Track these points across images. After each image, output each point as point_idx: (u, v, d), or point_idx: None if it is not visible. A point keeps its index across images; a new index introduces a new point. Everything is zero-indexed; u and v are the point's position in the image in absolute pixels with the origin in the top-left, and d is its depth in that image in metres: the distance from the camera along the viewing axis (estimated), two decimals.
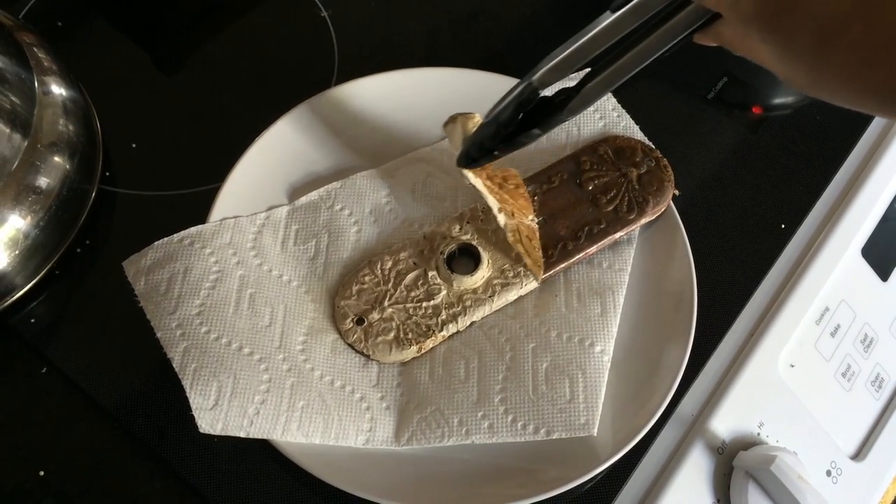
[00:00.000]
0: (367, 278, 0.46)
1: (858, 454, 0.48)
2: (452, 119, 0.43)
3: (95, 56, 0.55)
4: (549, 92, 0.36)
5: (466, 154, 0.40)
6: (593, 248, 0.46)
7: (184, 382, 0.39)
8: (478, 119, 0.42)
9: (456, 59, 0.54)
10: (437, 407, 0.42)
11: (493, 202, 0.44)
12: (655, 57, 0.33)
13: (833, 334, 0.49)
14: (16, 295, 0.45)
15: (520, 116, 0.36)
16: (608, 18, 0.32)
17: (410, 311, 0.45)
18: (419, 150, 0.51)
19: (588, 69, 0.35)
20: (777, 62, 0.28)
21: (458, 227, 0.47)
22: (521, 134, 0.36)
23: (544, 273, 0.45)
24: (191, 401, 0.39)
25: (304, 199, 0.48)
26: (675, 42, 0.32)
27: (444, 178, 0.50)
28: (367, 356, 0.44)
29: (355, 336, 0.44)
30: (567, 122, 0.51)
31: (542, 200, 0.48)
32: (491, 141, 0.38)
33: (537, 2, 0.61)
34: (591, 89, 0.34)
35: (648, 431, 0.41)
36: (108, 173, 0.50)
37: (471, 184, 0.43)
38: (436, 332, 0.44)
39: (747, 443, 0.44)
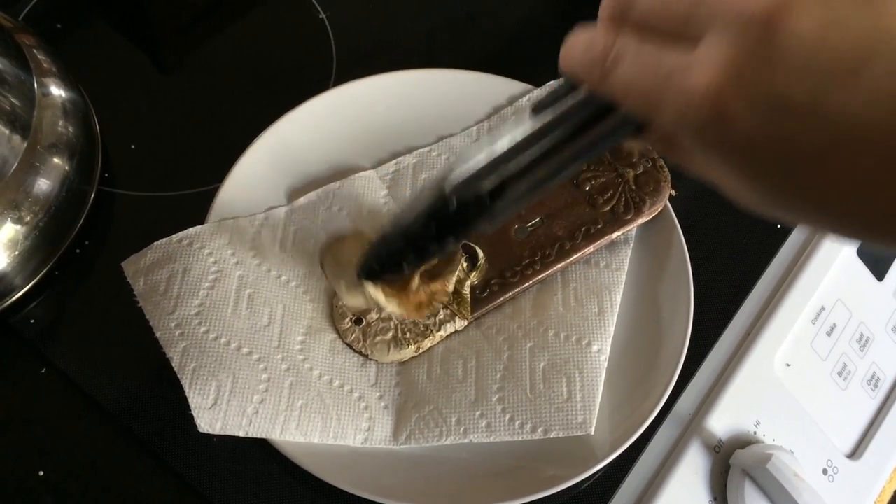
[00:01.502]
0: None
1: (854, 453, 0.48)
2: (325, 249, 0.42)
3: (95, 57, 0.56)
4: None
5: (368, 268, 0.37)
6: (590, 248, 0.47)
7: (183, 382, 0.39)
8: (350, 241, 0.40)
9: (454, 61, 0.54)
10: (436, 406, 0.42)
11: (393, 308, 0.41)
12: (584, 161, 0.29)
13: (829, 333, 0.49)
14: (15, 295, 0.45)
15: (432, 228, 0.32)
16: (526, 123, 0.29)
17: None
18: (417, 150, 0.51)
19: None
20: (737, 186, 0.24)
21: None
22: (433, 244, 0.32)
23: (542, 273, 0.46)
24: (190, 400, 0.39)
25: (302, 200, 0.48)
26: (601, 148, 0.28)
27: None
28: (366, 356, 0.44)
29: (353, 336, 0.44)
30: None
31: (540, 200, 0.48)
32: (399, 255, 0.35)
33: (535, 3, 0.62)
34: (511, 197, 0.29)
35: (645, 430, 0.42)
36: (107, 174, 0.50)
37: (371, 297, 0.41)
38: (433, 331, 0.44)
39: (744, 441, 0.44)
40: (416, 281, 0.41)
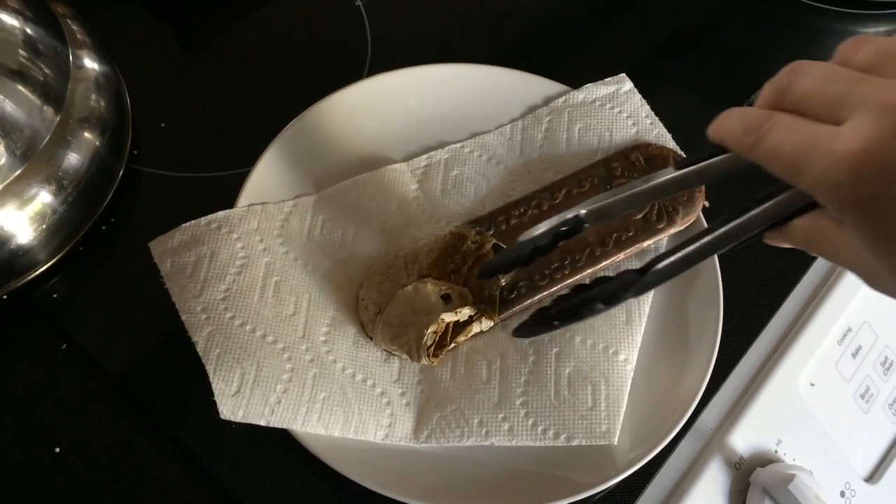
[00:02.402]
0: (391, 272, 0.45)
1: (873, 476, 0.48)
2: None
3: (127, 34, 0.55)
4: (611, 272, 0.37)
5: (489, 270, 0.39)
6: (621, 256, 0.46)
7: (207, 367, 0.39)
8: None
9: (489, 56, 0.53)
10: (458, 406, 0.42)
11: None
12: (727, 248, 0.33)
13: (854, 355, 0.49)
14: (39, 270, 0.45)
15: (558, 243, 0.36)
16: (670, 174, 0.33)
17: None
18: (449, 146, 0.51)
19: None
20: (863, 256, 0.28)
21: (485, 226, 0.47)
22: (584, 307, 0.35)
23: (571, 278, 0.45)
24: (213, 386, 0.39)
25: (331, 189, 0.48)
26: (751, 235, 0.32)
27: (474, 177, 0.49)
28: (389, 352, 0.44)
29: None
30: (599, 128, 0.51)
31: (572, 204, 0.47)
32: (524, 262, 0.37)
33: (570, 4, 0.61)
34: (663, 269, 0.34)
35: (667, 443, 0.41)
36: (135, 151, 0.50)
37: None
38: (460, 333, 0.44)
39: (765, 459, 0.44)
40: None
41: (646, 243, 0.46)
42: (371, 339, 0.44)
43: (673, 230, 0.47)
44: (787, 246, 0.33)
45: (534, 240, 0.36)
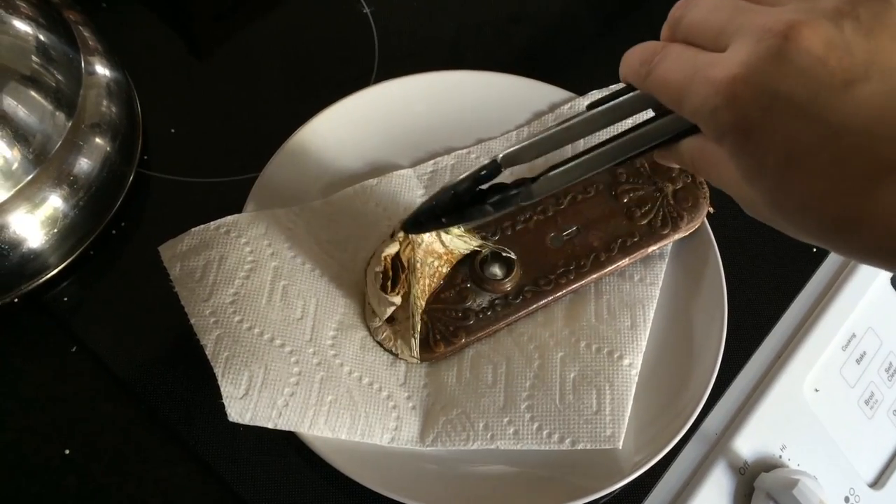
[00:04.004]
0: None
1: (877, 482, 0.48)
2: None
3: (138, 40, 0.56)
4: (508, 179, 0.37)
5: (415, 219, 0.39)
6: (625, 261, 0.46)
7: (216, 370, 0.39)
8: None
9: (497, 63, 0.54)
10: (464, 410, 0.42)
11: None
12: (616, 161, 0.34)
13: (859, 361, 0.49)
14: (49, 273, 0.45)
15: (475, 189, 0.36)
16: (584, 115, 0.33)
17: (440, 312, 0.45)
18: (455, 152, 0.51)
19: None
20: (740, 182, 0.28)
21: (490, 231, 0.47)
22: (472, 207, 0.36)
23: (576, 283, 0.46)
24: (222, 389, 0.39)
25: (339, 195, 0.48)
26: (639, 150, 0.33)
27: None
28: (396, 355, 0.44)
29: (384, 334, 0.44)
30: (604, 134, 0.51)
31: (577, 210, 0.48)
32: (442, 209, 0.38)
33: (578, 10, 0.61)
34: (549, 178, 0.34)
35: (671, 448, 0.41)
36: (146, 157, 0.51)
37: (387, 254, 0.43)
38: (464, 335, 0.44)
39: (769, 464, 0.44)
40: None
41: (650, 248, 0.47)
42: (378, 343, 0.44)
43: (678, 235, 0.47)
44: (675, 165, 0.33)
45: (454, 186, 0.37)
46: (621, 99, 0.33)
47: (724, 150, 0.27)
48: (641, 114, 0.33)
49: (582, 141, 0.35)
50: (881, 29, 0.25)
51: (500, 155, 0.35)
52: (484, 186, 0.36)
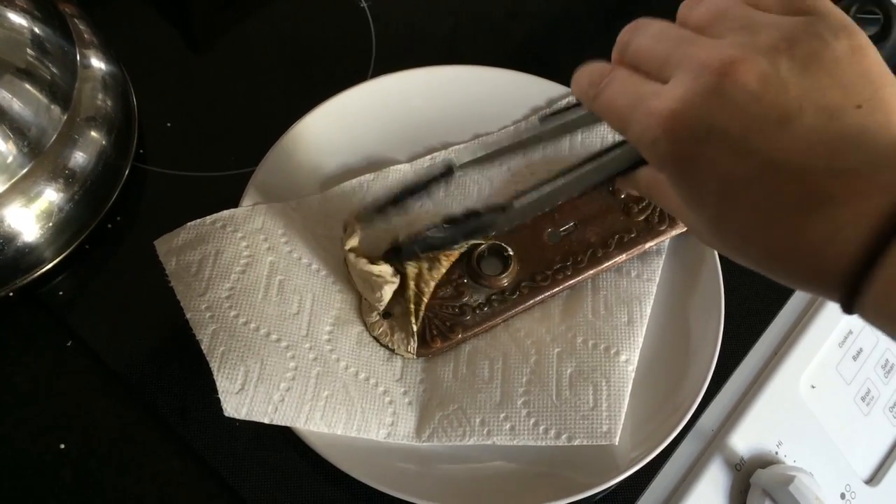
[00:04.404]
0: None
1: (873, 479, 0.48)
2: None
3: (134, 34, 0.55)
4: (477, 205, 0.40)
5: (391, 252, 0.43)
6: (622, 257, 0.46)
7: (211, 365, 0.39)
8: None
9: (494, 58, 0.54)
10: (460, 405, 0.42)
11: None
12: (579, 191, 0.35)
13: (855, 358, 0.49)
14: (45, 267, 0.45)
15: (427, 188, 0.40)
16: (535, 127, 0.36)
17: (437, 308, 0.45)
18: (452, 147, 0.51)
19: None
20: (685, 211, 0.29)
21: None
22: (443, 237, 0.40)
23: (573, 279, 0.46)
24: (217, 384, 0.39)
25: (336, 189, 0.48)
26: (599, 181, 0.35)
27: (477, 178, 0.50)
28: (392, 350, 0.44)
29: (381, 329, 0.44)
30: (602, 129, 0.51)
31: (574, 205, 0.48)
32: (391, 205, 0.42)
33: (575, 5, 0.61)
34: (517, 210, 0.37)
35: (667, 444, 0.41)
36: (141, 151, 0.50)
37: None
38: (461, 330, 0.44)
39: (765, 461, 0.44)
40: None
41: (647, 245, 0.47)
42: (374, 338, 0.44)
43: (675, 232, 0.47)
44: (635, 193, 0.35)
45: (409, 187, 0.40)
46: (572, 115, 0.35)
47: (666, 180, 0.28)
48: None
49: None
50: (817, 66, 0.26)
51: (453, 155, 0.39)
52: (456, 214, 0.39)
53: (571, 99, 0.35)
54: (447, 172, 0.38)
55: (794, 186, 0.25)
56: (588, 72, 0.31)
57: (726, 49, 0.26)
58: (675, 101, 0.26)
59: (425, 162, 0.50)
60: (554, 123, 0.35)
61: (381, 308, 0.44)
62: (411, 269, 0.44)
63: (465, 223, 0.39)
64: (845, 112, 0.25)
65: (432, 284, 0.44)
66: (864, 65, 0.26)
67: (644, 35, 0.30)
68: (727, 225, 0.27)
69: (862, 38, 0.26)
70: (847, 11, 0.31)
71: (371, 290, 0.44)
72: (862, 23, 0.28)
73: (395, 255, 0.43)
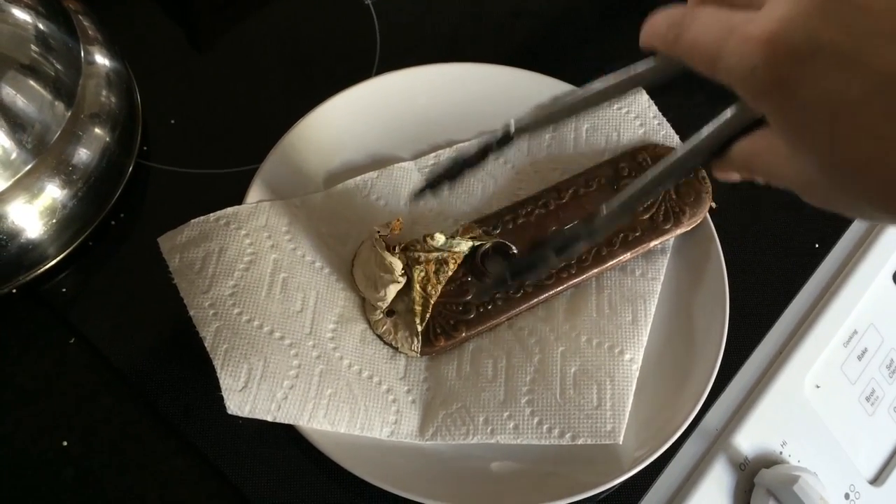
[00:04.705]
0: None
1: (877, 479, 0.48)
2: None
3: (138, 30, 0.55)
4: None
5: (428, 184, 0.40)
6: (627, 255, 0.46)
7: (215, 362, 0.39)
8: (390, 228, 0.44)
9: (498, 56, 0.53)
10: (464, 404, 0.42)
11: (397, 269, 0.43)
12: (671, 184, 0.34)
13: (860, 357, 0.49)
14: (48, 264, 0.45)
15: (486, 155, 0.37)
16: (596, 82, 0.33)
17: (441, 306, 0.45)
18: (457, 145, 0.51)
19: None
20: (791, 164, 0.27)
21: (492, 225, 0.47)
22: (536, 262, 0.36)
23: (577, 278, 0.45)
24: (221, 381, 0.39)
25: (339, 187, 0.48)
26: (693, 166, 0.32)
27: (481, 175, 0.50)
28: (396, 348, 0.44)
29: (384, 327, 0.44)
30: (607, 128, 0.51)
31: (579, 204, 0.48)
32: (448, 178, 0.38)
33: (579, 3, 0.61)
34: (606, 216, 0.34)
35: (672, 443, 0.41)
36: (145, 148, 0.50)
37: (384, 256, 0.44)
38: (465, 329, 0.44)
39: (769, 460, 0.44)
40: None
41: (652, 243, 0.46)
42: (377, 336, 0.44)
43: (680, 230, 0.47)
44: (735, 176, 0.32)
45: (463, 155, 0.37)
46: (639, 67, 0.32)
47: (768, 128, 0.26)
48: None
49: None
50: None
51: (512, 125, 0.35)
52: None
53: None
54: (504, 139, 0.35)
55: None
56: (664, 15, 0.29)
57: None
58: (776, 22, 0.24)
59: (429, 160, 0.50)
60: (612, 78, 0.32)
61: (384, 307, 0.44)
62: (418, 271, 0.44)
63: (558, 238, 0.36)
64: None
65: (440, 288, 0.44)
66: None
67: None
68: (843, 157, 0.24)
69: None
70: None
71: (374, 290, 0.44)
72: None
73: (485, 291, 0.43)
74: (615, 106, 0.51)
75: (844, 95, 0.23)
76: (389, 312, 0.44)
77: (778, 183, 0.29)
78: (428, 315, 0.44)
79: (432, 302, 0.43)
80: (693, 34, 0.28)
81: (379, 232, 0.44)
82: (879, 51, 0.23)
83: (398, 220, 0.44)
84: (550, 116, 0.34)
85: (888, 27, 0.23)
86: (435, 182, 0.39)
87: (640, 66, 0.32)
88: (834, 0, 0.24)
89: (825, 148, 0.25)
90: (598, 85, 0.33)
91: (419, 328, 0.43)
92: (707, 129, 0.31)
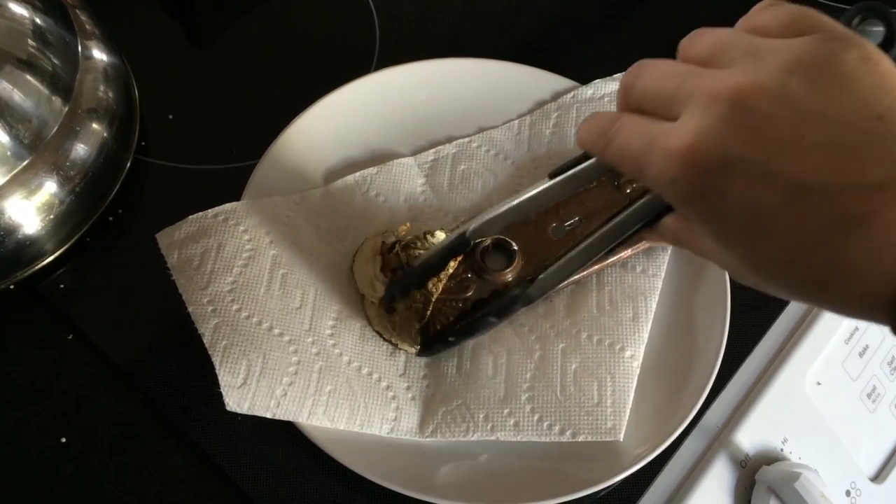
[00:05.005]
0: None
1: (878, 476, 0.48)
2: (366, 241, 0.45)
3: (136, 25, 0.55)
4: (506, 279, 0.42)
5: (390, 294, 0.42)
6: (628, 252, 0.46)
7: (214, 359, 0.39)
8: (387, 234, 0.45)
9: (498, 51, 0.53)
10: (464, 401, 0.42)
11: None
12: (605, 251, 0.35)
13: (861, 354, 0.49)
14: (45, 260, 0.45)
15: (447, 263, 0.40)
16: (545, 184, 0.35)
17: (441, 302, 0.44)
18: (457, 141, 0.50)
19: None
20: (716, 250, 0.28)
21: None
22: (479, 322, 0.41)
23: (578, 274, 0.45)
24: (220, 378, 0.39)
25: (339, 183, 0.48)
26: (623, 237, 0.34)
27: (481, 172, 0.49)
28: (395, 345, 0.44)
29: (384, 325, 0.44)
30: None
31: (579, 200, 0.47)
32: (415, 279, 0.41)
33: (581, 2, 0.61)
34: (544, 279, 0.37)
35: (672, 440, 0.41)
36: (143, 143, 0.50)
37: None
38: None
39: (770, 458, 0.44)
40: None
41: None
42: (377, 332, 0.44)
43: None
44: (666, 244, 0.34)
45: (425, 261, 0.41)
46: (582, 167, 0.34)
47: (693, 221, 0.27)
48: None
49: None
50: (829, 82, 0.25)
51: (469, 229, 0.38)
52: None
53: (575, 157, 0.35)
54: (464, 244, 0.39)
55: (826, 207, 0.24)
56: (595, 122, 0.30)
57: (734, 77, 0.26)
58: (689, 136, 0.25)
59: (429, 156, 0.50)
60: (563, 177, 0.34)
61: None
62: None
63: (496, 303, 0.40)
64: (868, 124, 0.24)
65: (440, 285, 0.44)
66: (878, 74, 0.25)
67: (648, 75, 0.29)
68: (762, 257, 0.26)
69: (870, 47, 0.25)
70: (848, 26, 0.30)
71: (373, 290, 0.43)
72: (864, 36, 0.28)
73: (390, 300, 0.43)
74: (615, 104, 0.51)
75: (760, 205, 0.25)
76: (389, 309, 0.44)
77: (707, 258, 0.31)
78: (428, 312, 0.43)
79: (433, 299, 0.43)
80: (619, 144, 0.29)
81: (384, 242, 0.44)
82: (789, 161, 0.24)
83: (406, 225, 0.45)
84: (504, 220, 0.37)
85: (793, 138, 0.24)
86: (396, 291, 0.42)
87: (585, 164, 0.34)
88: (741, 111, 0.25)
89: (747, 251, 0.26)
90: (549, 186, 0.35)
91: (418, 325, 0.43)
92: (641, 202, 0.33)
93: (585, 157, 0.33)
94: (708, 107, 0.25)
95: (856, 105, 0.24)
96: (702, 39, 0.28)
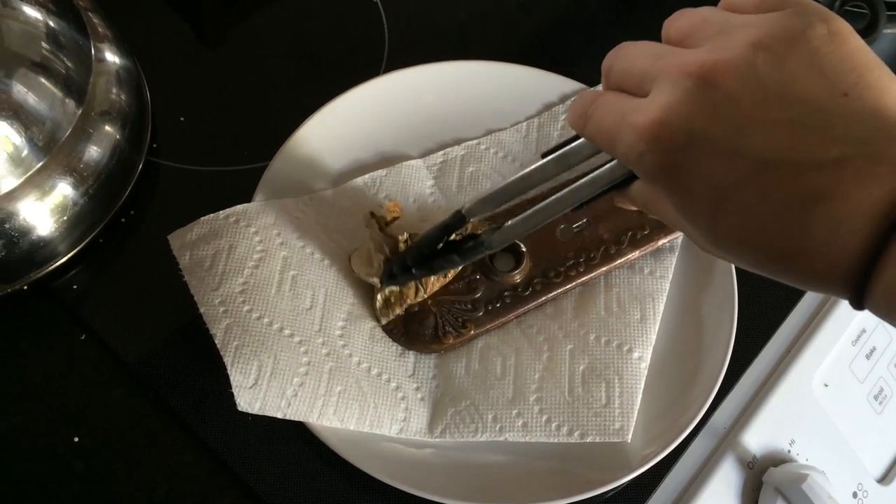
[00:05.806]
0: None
1: (885, 478, 0.48)
2: (369, 215, 0.45)
3: (148, 27, 0.55)
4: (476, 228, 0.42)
5: (389, 271, 0.42)
6: (636, 254, 0.46)
7: (225, 359, 0.39)
8: (394, 210, 0.45)
9: (507, 53, 0.54)
10: (472, 402, 0.42)
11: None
12: (573, 206, 0.35)
13: (868, 356, 0.49)
14: (59, 261, 0.45)
15: (444, 240, 0.40)
16: (538, 163, 0.35)
17: (449, 303, 0.45)
18: (465, 143, 0.51)
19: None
20: (681, 221, 0.29)
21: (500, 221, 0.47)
22: (441, 258, 0.40)
23: (586, 276, 0.45)
24: (231, 378, 0.39)
25: (348, 185, 0.48)
26: (593, 195, 0.34)
27: (489, 173, 0.50)
28: (404, 346, 0.44)
29: (393, 325, 0.44)
30: None
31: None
32: (412, 260, 0.41)
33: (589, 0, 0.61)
34: (510, 228, 0.38)
35: (680, 441, 0.41)
36: (155, 145, 0.50)
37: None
38: (473, 326, 0.44)
39: (778, 459, 0.44)
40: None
41: (661, 241, 0.47)
42: (386, 333, 0.44)
43: None
44: (634, 208, 0.34)
45: (424, 239, 0.41)
46: (572, 146, 0.34)
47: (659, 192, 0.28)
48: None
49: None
50: (796, 58, 0.25)
51: (465, 207, 0.38)
52: (452, 237, 0.40)
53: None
54: (459, 222, 0.39)
55: (788, 184, 0.24)
56: (579, 101, 0.31)
57: (702, 54, 0.26)
58: (656, 112, 0.26)
59: (438, 157, 0.50)
60: (555, 156, 0.35)
61: (377, 282, 0.44)
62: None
63: (460, 246, 0.40)
64: (832, 101, 0.24)
65: (444, 281, 0.44)
66: (844, 51, 0.25)
67: (625, 56, 0.30)
68: (725, 231, 0.27)
69: (840, 23, 0.26)
70: (831, 7, 0.31)
71: (368, 265, 0.44)
72: (848, 17, 0.27)
73: (389, 279, 0.43)
74: None
75: (723, 180, 0.25)
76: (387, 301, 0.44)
77: (670, 225, 0.32)
78: (418, 295, 0.44)
79: (427, 290, 0.43)
80: (595, 121, 0.30)
81: (373, 212, 0.44)
82: (752, 137, 0.25)
83: (394, 203, 0.45)
84: (499, 199, 0.38)
85: (756, 114, 0.25)
86: (396, 272, 0.42)
87: (574, 144, 0.34)
88: (705, 87, 0.25)
89: (710, 225, 0.27)
90: (541, 165, 0.35)
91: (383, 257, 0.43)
92: (612, 163, 0.33)
93: (577, 138, 0.34)
94: (675, 83, 0.26)
95: (821, 81, 0.25)
96: (681, 19, 0.29)
